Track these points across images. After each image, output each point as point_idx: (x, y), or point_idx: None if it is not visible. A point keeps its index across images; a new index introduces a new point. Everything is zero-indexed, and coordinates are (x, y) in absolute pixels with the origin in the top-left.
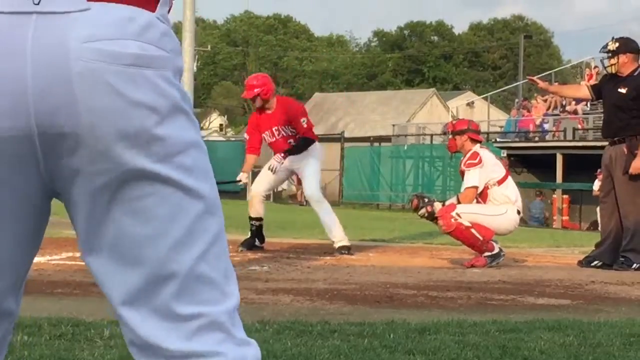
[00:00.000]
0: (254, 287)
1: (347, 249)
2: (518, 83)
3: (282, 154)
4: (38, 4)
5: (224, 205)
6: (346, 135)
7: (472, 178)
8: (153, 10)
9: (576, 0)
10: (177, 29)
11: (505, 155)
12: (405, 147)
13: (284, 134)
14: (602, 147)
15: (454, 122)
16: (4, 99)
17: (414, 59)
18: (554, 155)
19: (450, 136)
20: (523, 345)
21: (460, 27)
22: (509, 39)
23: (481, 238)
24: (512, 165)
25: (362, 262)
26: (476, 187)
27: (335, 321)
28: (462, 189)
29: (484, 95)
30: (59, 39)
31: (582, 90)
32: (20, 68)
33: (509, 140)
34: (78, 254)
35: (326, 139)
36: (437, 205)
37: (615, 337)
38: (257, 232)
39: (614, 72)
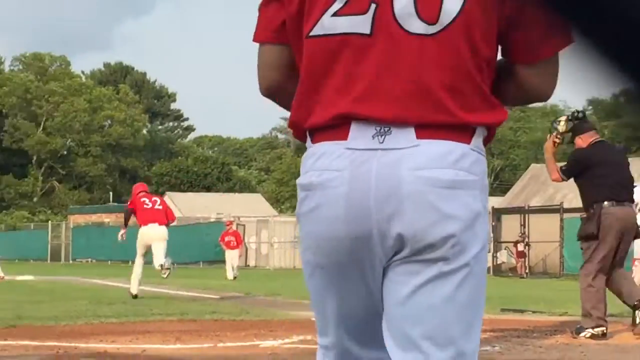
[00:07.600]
0: None
1: None
2: None
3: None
4: (382, 142)
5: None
6: (565, 206)
7: None
8: (468, 143)
9: None
10: None
11: None
12: None
13: (161, 207)
14: None
15: None
16: (353, 210)
17: None
18: None
19: None
20: None
21: None
22: None
23: None
24: None
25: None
26: None
27: None
28: None
29: None
30: (395, 168)
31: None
32: (367, 189)
33: None
34: (309, 337)
35: (545, 210)
36: None
37: None
38: None
39: None
